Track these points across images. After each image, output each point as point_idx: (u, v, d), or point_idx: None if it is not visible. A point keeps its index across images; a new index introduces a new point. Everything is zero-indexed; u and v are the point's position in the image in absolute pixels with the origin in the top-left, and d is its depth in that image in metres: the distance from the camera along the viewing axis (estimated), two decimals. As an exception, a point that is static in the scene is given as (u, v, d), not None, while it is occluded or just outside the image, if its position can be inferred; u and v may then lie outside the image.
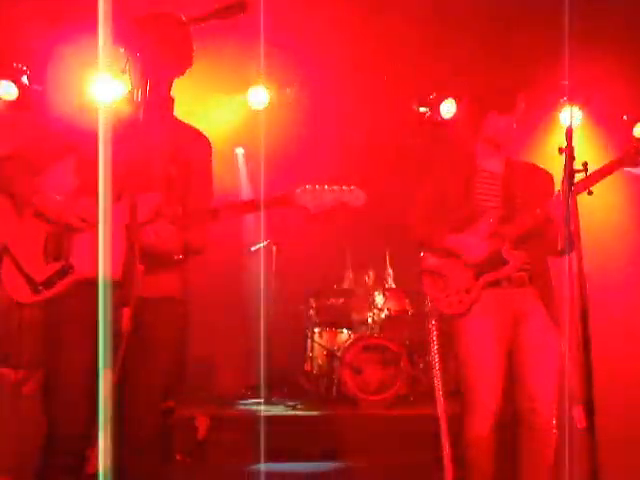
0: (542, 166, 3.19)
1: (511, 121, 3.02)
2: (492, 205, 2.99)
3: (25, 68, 5.21)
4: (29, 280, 2.26)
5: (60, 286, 2.25)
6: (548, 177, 3.08)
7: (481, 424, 2.86)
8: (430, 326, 3.14)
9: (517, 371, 2.92)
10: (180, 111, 2.50)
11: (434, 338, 3.14)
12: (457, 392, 3.83)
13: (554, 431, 2.84)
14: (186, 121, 2.51)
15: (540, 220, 2.86)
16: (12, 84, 5.22)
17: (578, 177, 2.34)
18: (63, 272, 2.25)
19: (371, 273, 6.13)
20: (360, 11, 4.95)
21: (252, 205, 2.35)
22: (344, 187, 2.33)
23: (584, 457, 1.97)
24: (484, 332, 2.90)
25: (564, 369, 2.89)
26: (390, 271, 6.06)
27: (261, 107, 5.78)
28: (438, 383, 3.17)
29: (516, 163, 3.14)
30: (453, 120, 5.92)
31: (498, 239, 2.92)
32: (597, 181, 2.72)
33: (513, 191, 3.01)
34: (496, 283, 2.93)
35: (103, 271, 1.94)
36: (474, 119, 3.12)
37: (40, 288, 2.25)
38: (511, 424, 2.92)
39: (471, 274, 2.95)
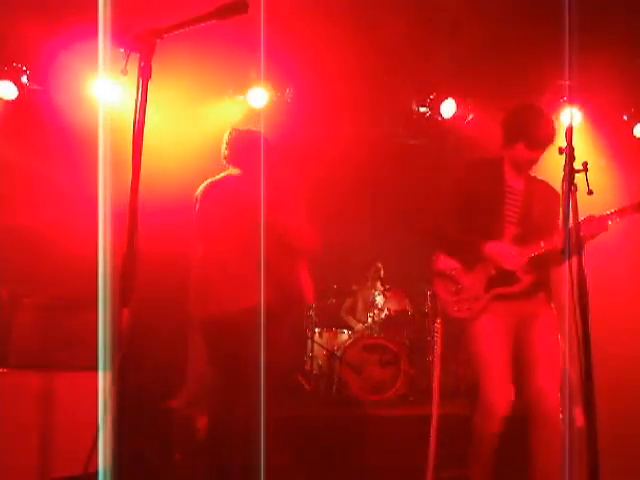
0: (544, 174, 3.23)
1: (536, 157, 3.06)
2: (512, 219, 3.05)
3: (25, 68, 5.20)
4: None
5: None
6: (557, 196, 3.13)
7: (491, 422, 2.92)
8: (435, 325, 3.21)
9: (526, 367, 3.00)
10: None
11: (436, 337, 3.19)
12: (458, 393, 3.85)
13: (560, 421, 2.91)
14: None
15: (557, 246, 2.92)
16: (12, 84, 5.21)
17: (578, 177, 2.35)
18: None
19: (371, 273, 6.13)
20: (360, 11, 4.95)
21: None
22: None
23: (584, 456, 1.97)
24: (494, 334, 2.99)
25: (565, 369, 2.94)
26: (381, 270, 6.05)
27: (261, 107, 5.76)
28: (436, 381, 3.25)
29: (534, 180, 3.19)
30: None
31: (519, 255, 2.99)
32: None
33: (531, 208, 3.07)
34: (504, 296, 3.01)
35: (103, 269, 1.95)
36: (503, 141, 3.14)
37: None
38: (521, 419, 2.98)
39: (482, 285, 3.03)
